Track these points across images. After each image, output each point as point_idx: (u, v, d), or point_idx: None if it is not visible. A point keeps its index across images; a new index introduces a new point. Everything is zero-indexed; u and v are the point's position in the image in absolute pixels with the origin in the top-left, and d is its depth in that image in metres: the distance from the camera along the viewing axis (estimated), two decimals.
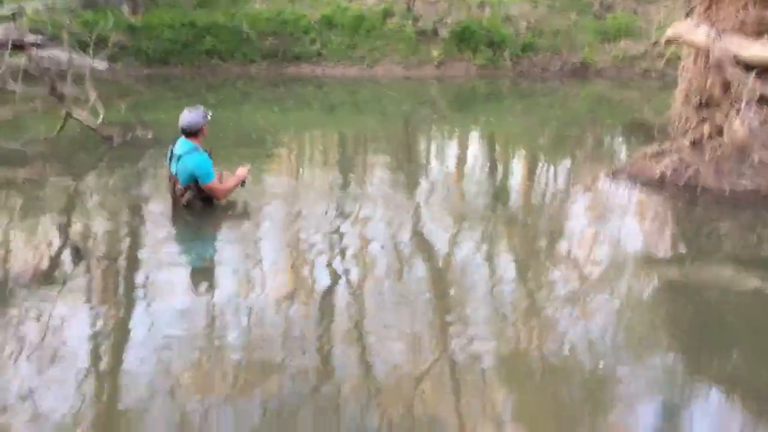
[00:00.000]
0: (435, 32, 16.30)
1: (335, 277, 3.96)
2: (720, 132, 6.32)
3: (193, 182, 5.16)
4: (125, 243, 4.81)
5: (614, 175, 6.61)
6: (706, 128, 6.39)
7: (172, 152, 5.24)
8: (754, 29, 6.58)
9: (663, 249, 2.98)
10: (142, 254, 4.52)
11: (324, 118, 5.16)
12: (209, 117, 5.28)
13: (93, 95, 7.14)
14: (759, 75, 6.38)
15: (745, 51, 6.45)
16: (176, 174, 5.20)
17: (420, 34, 16.26)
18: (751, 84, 6.24)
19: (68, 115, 6.85)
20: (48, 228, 5.02)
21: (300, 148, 3.57)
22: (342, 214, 5.31)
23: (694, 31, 6.76)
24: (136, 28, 15.18)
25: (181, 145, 5.19)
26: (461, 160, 3.12)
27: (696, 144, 6.41)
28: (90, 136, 7.34)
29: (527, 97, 14.23)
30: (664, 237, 3.46)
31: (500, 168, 3.17)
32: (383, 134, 4.25)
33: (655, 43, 15.82)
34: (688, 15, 6.91)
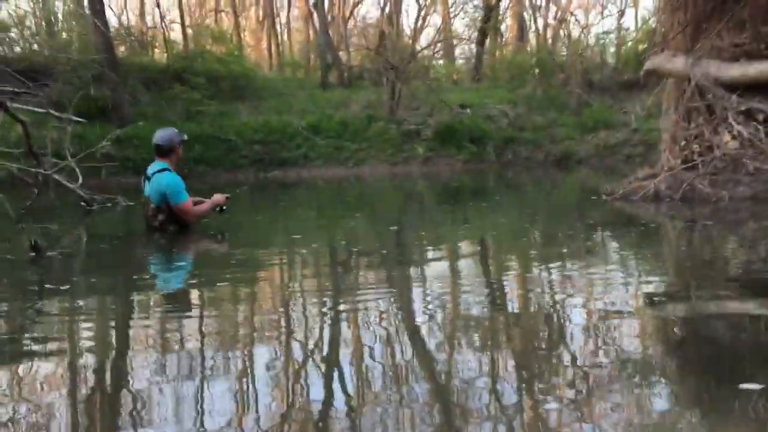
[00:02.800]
0: (419, 133, 16.66)
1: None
2: (710, 148, 6.21)
3: (166, 204, 4.91)
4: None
5: (609, 199, 6.39)
6: (695, 147, 6.28)
7: (146, 174, 5.04)
8: (729, 55, 6.68)
9: (663, 278, 2.70)
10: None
11: (311, 223, 5.01)
12: (184, 138, 5.14)
13: (71, 159, 6.99)
14: (740, 95, 6.39)
15: (724, 73, 6.50)
16: (149, 195, 4.96)
17: (404, 135, 16.60)
18: (734, 100, 6.22)
19: (46, 178, 6.67)
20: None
21: (289, 262, 3.37)
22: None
23: (671, 60, 6.85)
24: (123, 140, 15.40)
25: (155, 164, 5.01)
26: (455, 265, 2.93)
27: (687, 162, 6.26)
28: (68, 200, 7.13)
29: (513, 189, 14.24)
30: (663, 263, 3.17)
31: (494, 270, 2.96)
32: (372, 240, 4.07)
33: (635, 130, 16.22)
34: (663, 49, 7.00)
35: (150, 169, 5.00)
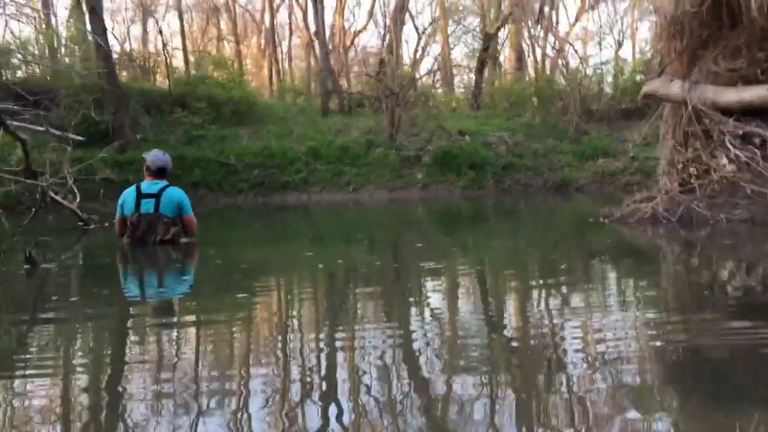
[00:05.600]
0: (418, 158, 16.72)
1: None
2: (707, 172, 6.23)
3: (179, 216, 5.07)
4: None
5: (606, 221, 6.39)
6: (692, 170, 6.30)
7: (138, 193, 5.11)
8: (726, 80, 6.74)
9: (663, 305, 2.63)
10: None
11: (310, 250, 5.04)
12: None
13: (70, 179, 7.01)
14: (737, 119, 6.43)
15: (721, 97, 6.55)
16: (155, 211, 5.06)
17: (403, 160, 16.66)
18: (731, 124, 6.25)
19: (44, 194, 6.67)
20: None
21: (287, 289, 3.32)
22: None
23: (667, 85, 6.90)
24: (123, 163, 15.44)
25: (153, 184, 5.13)
26: (453, 295, 2.87)
27: (685, 185, 6.28)
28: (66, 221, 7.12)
29: (511, 215, 14.22)
30: (661, 288, 3.12)
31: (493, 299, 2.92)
32: (371, 266, 4.04)
33: (633, 158, 16.29)
34: (660, 74, 7.06)
35: (150, 187, 5.12)
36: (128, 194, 5.18)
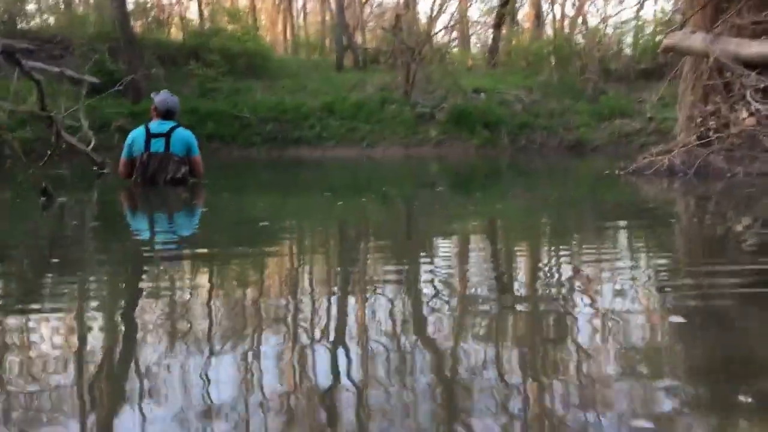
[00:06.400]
0: (433, 116, 16.59)
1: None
2: (726, 125, 6.14)
3: (187, 156, 5.11)
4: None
5: (620, 173, 6.34)
6: (711, 123, 6.21)
7: (148, 133, 5.13)
8: (749, 33, 6.59)
9: (676, 261, 2.50)
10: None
11: (324, 203, 4.90)
12: None
13: (85, 122, 7.02)
14: (760, 72, 6.30)
15: (744, 50, 6.41)
16: (165, 150, 5.09)
17: (418, 117, 16.54)
18: (754, 78, 6.13)
19: (58, 136, 6.69)
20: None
21: (300, 241, 3.22)
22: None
23: (690, 37, 6.76)
24: (137, 113, 15.43)
25: (162, 124, 5.17)
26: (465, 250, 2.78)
27: (703, 139, 6.20)
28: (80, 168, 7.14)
29: (525, 174, 14.12)
30: (675, 245, 2.99)
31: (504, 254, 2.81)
32: (385, 224, 3.91)
33: (651, 119, 16.06)
34: (682, 26, 6.91)
35: (159, 127, 5.16)
36: (137, 134, 5.20)
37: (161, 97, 5.23)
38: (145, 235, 3.13)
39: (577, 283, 1.98)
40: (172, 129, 5.13)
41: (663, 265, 2.39)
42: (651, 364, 1.28)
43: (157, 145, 5.10)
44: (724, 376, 1.23)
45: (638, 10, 27.08)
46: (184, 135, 5.20)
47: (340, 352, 1.32)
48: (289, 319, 1.59)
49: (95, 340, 1.45)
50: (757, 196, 4.90)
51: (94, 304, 1.80)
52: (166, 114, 5.20)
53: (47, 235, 3.15)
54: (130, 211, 4.19)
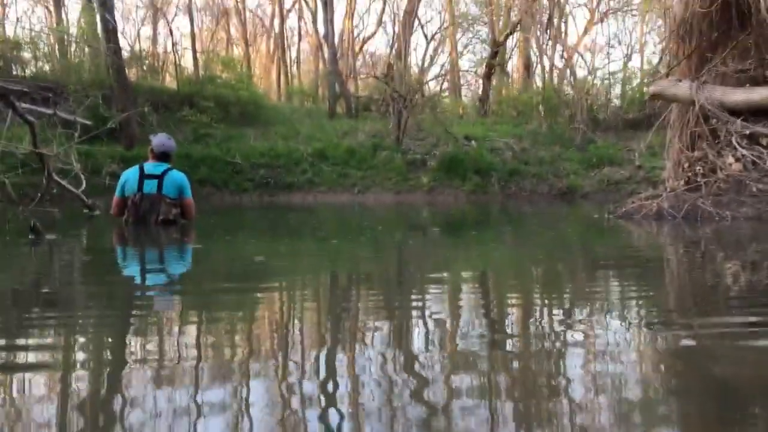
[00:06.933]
0: (424, 162, 16.73)
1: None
2: (713, 171, 6.22)
3: (179, 198, 5.13)
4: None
5: (610, 218, 6.37)
6: (699, 169, 6.29)
7: (142, 173, 5.15)
8: (733, 81, 6.74)
9: (665, 305, 2.50)
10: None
11: (315, 250, 4.90)
12: None
13: (77, 164, 7.03)
14: (745, 119, 6.42)
15: (729, 97, 6.55)
16: (157, 191, 5.12)
17: (409, 164, 16.68)
18: (739, 124, 6.24)
19: (49, 177, 6.69)
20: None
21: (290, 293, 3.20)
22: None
23: (676, 85, 6.90)
24: (129, 159, 15.48)
25: (157, 165, 5.20)
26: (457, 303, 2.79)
27: (691, 184, 6.26)
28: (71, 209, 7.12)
29: (516, 221, 14.18)
30: (663, 289, 2.99)
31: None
32: (376, 271, 3.92)
33: (639, 167, 16.27)
34: (668, 75, 7.07)
35: (153, 169, 5.19)
36: (131, 174, 5.22)
37: (159, 140, 5.29)
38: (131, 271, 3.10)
39: (569, 335, 1.96)
40: (166, 171, 5.18)
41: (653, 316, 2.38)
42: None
43: (150, 186, 5.12)
44: None
45: (625, 63, 27.69)
46: (176, 177, 5.24)
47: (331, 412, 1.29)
48: (279, 369, 1.56)
49: (76, 383, 1.41)
50: (746, 242, 4.93)
51: (79, 341, 1.77)
52: (162, 156, 5.26)
53: (35, 271, 3.12)
54: (120, 248, 4.17)
